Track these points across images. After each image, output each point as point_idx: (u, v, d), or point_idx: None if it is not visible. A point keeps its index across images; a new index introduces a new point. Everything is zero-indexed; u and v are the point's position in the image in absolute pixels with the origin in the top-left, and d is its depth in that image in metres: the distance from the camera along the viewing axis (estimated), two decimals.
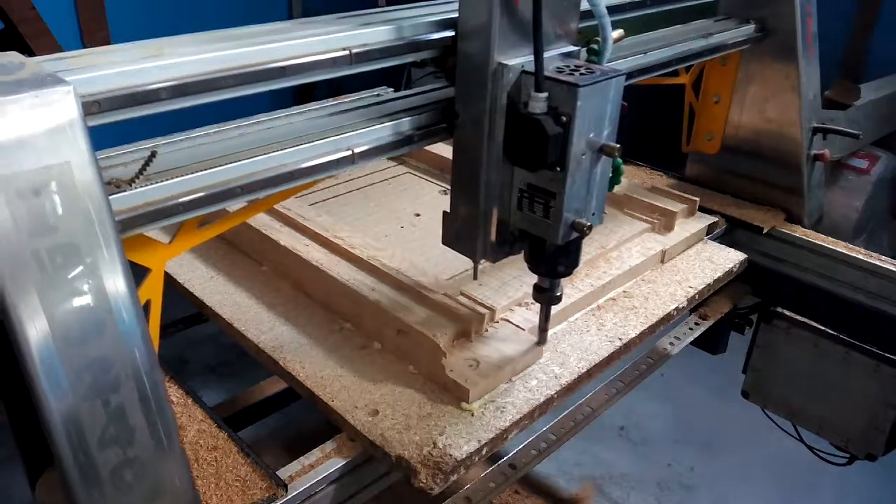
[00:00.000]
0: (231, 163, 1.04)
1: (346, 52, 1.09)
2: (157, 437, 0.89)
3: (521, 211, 1.24)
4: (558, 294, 1.36)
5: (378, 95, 1.37)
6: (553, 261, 1.29)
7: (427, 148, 2.24)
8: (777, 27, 1.95)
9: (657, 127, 2.93)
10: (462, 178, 1.26)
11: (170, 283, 1.67)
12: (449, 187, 1.32)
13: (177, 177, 0.98)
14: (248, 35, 1.07)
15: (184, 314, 2.04)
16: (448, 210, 1.33)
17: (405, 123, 1.23)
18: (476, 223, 1.26)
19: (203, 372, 3.46)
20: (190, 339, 3.30)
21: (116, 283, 0.84)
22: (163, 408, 0.90)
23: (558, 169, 1.14)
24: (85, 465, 0.84)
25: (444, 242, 1.35)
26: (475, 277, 1.38)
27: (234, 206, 1.10)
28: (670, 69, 1.73)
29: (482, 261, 1.33)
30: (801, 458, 2.20)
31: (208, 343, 3.51)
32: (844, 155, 3.60)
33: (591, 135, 1.14)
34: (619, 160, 1.29)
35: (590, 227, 1.21)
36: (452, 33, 1.20)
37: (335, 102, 1.28)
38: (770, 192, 2.12)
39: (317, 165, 1.12)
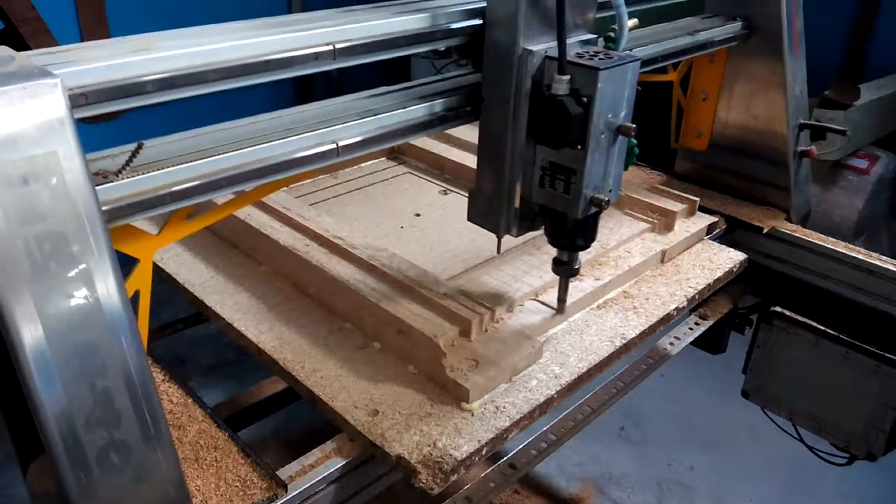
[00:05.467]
0: (216, 155, 1.05)
1: (330, 48, 1.11)
2: (143, 422, 0.91)
3: (542, 188, 1.32)
4: (576, 267, 1.45)
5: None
6: (572, 235, 1.39)
7: (427, 148, 2.27)
8: (763, 25, 1.97)
9: (643, 124, 2.94)
10: (487, 158, 1.35)
11: (170, 283, 1.68)
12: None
13: (163, 168, 0.99)
14: (240, 29, 1.08)
15: (184, 314, 2.04)
16: (470, 194, 1.41)
17: (438, 106, 1.29)
18: (500, 200, 1.35)
19: (203, 372, 3.46)
20: (190, 339, 3.31)
21: (103, 270, 0.85)
22: (149, 394, 0.91)
23: (579, 147, 1.23)
24: (73, 447, 0.85)
25: (469, 219, 1.43)
26: (498, 252, 1.45)
27: (221, 197, 1.12)
28: (657, 66, 1.75)
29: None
30: (801, 458, 2.20)
31: (208, 343, 3.51)
32: (844, 155, 3.60)
33: (610, 115, 1.22)
34: (634, 140, 1.35)
35: (608, 203, 1.29)
36: (480, 21, 1.26)
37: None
38: (758, 188, 2.13)
39: (302, 158, 1.14)
